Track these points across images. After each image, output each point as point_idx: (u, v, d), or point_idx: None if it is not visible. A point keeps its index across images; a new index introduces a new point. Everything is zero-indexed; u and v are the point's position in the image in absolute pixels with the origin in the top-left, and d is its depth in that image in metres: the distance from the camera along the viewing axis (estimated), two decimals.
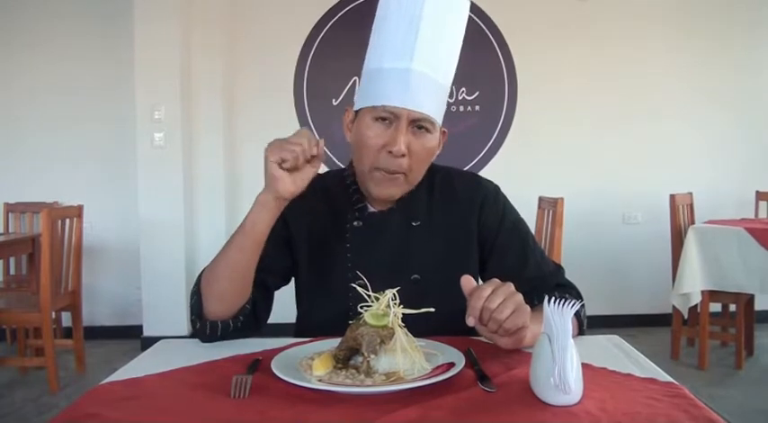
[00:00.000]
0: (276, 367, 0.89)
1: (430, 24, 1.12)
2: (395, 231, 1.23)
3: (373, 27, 1.19)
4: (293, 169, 1.05)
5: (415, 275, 1.21)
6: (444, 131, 1.25)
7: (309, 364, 0.91)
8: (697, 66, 4.27)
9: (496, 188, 1.31)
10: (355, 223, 1.23)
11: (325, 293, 1.24)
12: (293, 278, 1.31)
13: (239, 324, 1.14)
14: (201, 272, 1.17)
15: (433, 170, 1.30)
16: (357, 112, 1.19)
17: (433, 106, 1.14)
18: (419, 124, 1.13)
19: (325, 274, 1.24)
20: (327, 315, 1.21)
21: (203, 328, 1.12)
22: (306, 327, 1.28)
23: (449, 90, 1.20)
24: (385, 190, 1.17)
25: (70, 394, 3.01)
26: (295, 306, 1.32)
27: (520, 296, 0.94)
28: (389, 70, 1.13)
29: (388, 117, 1.13)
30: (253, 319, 1.17)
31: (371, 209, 1.25)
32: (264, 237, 1.10)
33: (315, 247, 1.25)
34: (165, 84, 3.80)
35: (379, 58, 1.15)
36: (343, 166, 1.34)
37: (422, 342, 0.96)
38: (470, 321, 0.93)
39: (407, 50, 1.11)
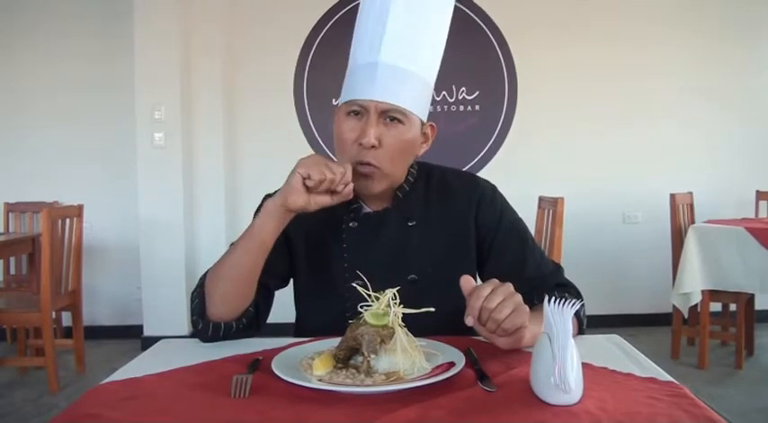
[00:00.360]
0: (276, 367, 0.89)
1: (401, 15, 1.12)
2: (391, 231, 1.23)
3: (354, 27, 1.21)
4: (312, 190, 1.05)
5: (413, 275, 1.20)
6: (432, 126, 1.25)
7: (310, 363, 0.91)
8: (697, 65, 4.27)
9: (494, 188, 1.30)
10: (351, 224, 1.23)
11: (322, 295, 1.24)
12: (292, 279, 1.31)
13: (241, 326, 1.14)
14: (205, 273, 1.17)
15: (430, 170, 1.30)
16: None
17: (406, 97, 1.13)
18: (390, 115, 1.13)
19: (323, 276, 1.24)
20: (325, 316, 1.21)
21: (205, 328, 1.12)
22: (304, 328, 1.28)
23: (431, 81, 1.19)
24: (363, 184, 1.16)
25: (70, 394, 3.01)
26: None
27: (519, 296, 0.94)
28: (360, 66, 1.14)
29: (359, 111, 1.14)
30: (255, 320, 1.17)
31: (367, 209, 1.25)
32: (270, 243, 1.11)
33: (312, 248, 1.25)
34: (165, 84, 3.80)
35: (354, 57, 1.17)
36: None
37: (422, 342, 0.95)
38: (469, 321, 0.93)
39: (375, 44, 1.13)
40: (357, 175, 1.15)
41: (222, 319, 1.12)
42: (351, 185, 1.08)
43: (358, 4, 1.16)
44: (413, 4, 1.14)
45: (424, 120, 1.20)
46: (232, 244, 1.19)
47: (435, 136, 1.27)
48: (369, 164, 1.14)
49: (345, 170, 1.06)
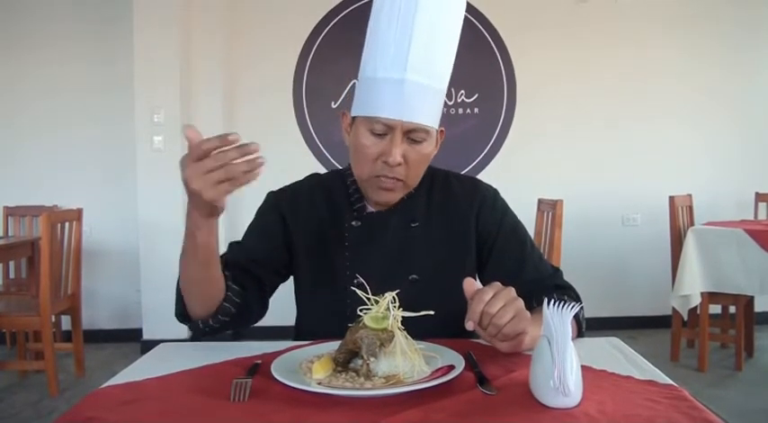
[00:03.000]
0: (276, 371, 0.89)
1: (424, 30, 1.11)
2: (393, 232, 1.24)
3: (367, 31, 1.18)
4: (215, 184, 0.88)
5: (414, 276, 1.21)
6: (442, 130, 1.25)
7: (309, 367, 0.91)
8: (696, 66, 4.28)
9: (495, 192, 1.32)
10: (354, 223, 1.24)
11: (323, 293, 1.25)
12: (292, 276, 1.31)
13: (226, 323, 1.15)
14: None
15: (433, 173, 1.31)
16: (354, 118, 1.19)
17: (429, 114, 1.14)
18: (414, 135, 1.14)
19: (324, 274, 1.24)
20: (326, 315, 1.22)
21: (189, 326, 1.16)
22: (305, 326, 1.28)
23: (445, 92, 1.20)
24: (384, 196, 1.19)
25: (70, 398, 3.01)
26: (295, 308, 1.32)
27: (520, 302, 0.94)
28: (384, 80, 1.12)
29: (383, 129, 1.13)
30: (244, 313, 1.17)
31: (370, 209, 1.26)
32: (213, 252, 1.03)
33: (314, 245, 1.26)
34: (165, 87, 3.80)
35: (373, 67, 1.14)
36: (341, 167, 1.35)
37: (421, 345, 0.95)
38: (470, 325, 0.93)
39: (401, 60, 1.10)
40: (377, 187, 1.17)
41: (199, 316, 1.14)
42: (258, 170, 0.88)
43: (357, 7, 1.16)
44: (435, 17, 1.12)
45: (436, 129, 1.21)
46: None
47: (443, 139, 1.28)
48: (394, 178, 1.15)
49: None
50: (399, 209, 1.25)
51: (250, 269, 1.19)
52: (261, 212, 1.30)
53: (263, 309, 1.24)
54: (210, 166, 0.85)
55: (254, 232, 1.28)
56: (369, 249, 1.22)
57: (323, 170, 1.27)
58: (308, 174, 1.37)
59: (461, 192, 1.29)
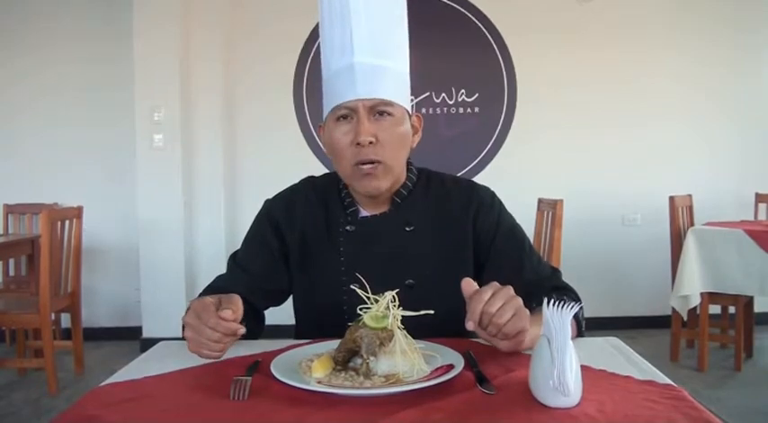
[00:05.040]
0: (275, 369, 0.89)
1: (362, 16, 1.14)
2: (388, 236, 1.23)
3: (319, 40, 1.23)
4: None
5: (410, 280, 1.20)
6: (418, 116, 1.27)
7: (309, 365, 0.91)
8: (697, 67, 4.27)
9: (492, 194, 1.30)
10: (348, 228, 1.24)
11: (320, 298, 1.24)
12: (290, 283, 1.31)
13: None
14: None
15: (429, 175, 1.31)
16: (326, 121, 1.22)
17: (387, 89, 1.15)
18: (379, 110, 1.15)
19: (319, 279, 1.24)
20: (324, 319, 1.22)
21: None
22: (303, 332, 1.28)
23: (405, 72, 1.21)
24: (369, 183, 1.17)
25: (69, 396, 3.01)
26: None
27: (519, 300, 0.94)
28: (337, 72, 1.16)
29: (347, 114, 1.15)
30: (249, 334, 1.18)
31: (364, 213, 1.25)
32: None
33: (309, 251, 1.26)
34: (165, 85, 3.80)
35: (327, 66, 1.19)
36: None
37: (421, 344, 0.95)
38: (470, 325, 0.92)
39: (346, 47, 1.15)
40: (360, 176, 1.16)
41: None
42: (241, 330, 0.97)
43: None
44: (370, 1, 1.16)
45: (409, 110, 1.22)
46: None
47: (421, 125, 1.28)
48: (370, 161, 1.14)
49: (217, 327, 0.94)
50: (394, 213, 1.24)
51: (248, 296, 1.19)
52: (257, 222, 1.31)
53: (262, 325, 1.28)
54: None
55: (252, 247, 1.29)
56: (363, 254, 1.22)
57: (323, 169, 1.28)
58: (306, 174, 1.37)
59: (458, 194, 1.27)
